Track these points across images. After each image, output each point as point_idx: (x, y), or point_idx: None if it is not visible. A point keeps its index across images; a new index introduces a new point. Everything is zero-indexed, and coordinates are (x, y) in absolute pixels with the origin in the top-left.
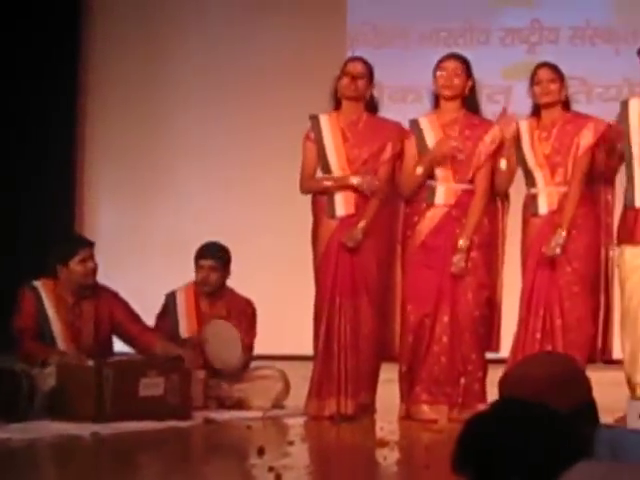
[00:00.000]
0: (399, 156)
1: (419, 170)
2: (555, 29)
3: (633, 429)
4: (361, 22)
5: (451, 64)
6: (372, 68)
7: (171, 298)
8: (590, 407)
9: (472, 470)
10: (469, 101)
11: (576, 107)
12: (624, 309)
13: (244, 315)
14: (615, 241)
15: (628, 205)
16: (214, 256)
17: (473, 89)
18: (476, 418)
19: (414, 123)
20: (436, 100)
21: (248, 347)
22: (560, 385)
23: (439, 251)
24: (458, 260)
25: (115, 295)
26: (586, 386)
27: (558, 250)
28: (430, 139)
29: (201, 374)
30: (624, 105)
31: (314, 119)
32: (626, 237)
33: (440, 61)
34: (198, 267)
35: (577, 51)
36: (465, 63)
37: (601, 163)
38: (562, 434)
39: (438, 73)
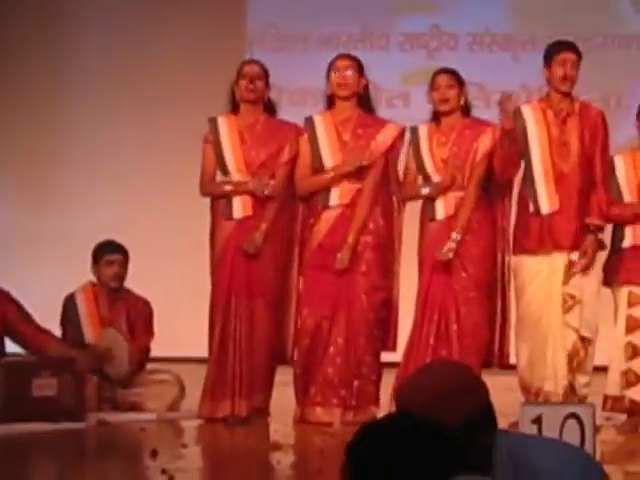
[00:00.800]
0: (297, 158)
1: (328, 177)
2: (454, 35)
3: (529, 434)
4: (261, 25)
5: (343, 63)
6: (267, 70)
7: (70, 301)
8: (488, 414)
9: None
10: (363, 100)
11: (474, 113)
12: (521, 314)
13: (141, 316)
14: (511, 247)
15: (533, 213)
16: (121, 251)
17: (367, 88)
18: (361, 432)
19: (308, 121)
20: (330, 101)
21: (144, 348)
22: (456, 394)
23: (335, 253)
24: (342, 256)
25: (7, 295)
26: (483, 393)
27: (450, 255)
28: (322, 137)
29: (94, 377)
30: (517, 112)
31: (212, 121)
32: (532, 245)
33: (332, 61)
34: (105, 263)
35: (476, 57)
36: (357, 62)
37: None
38: (448, 452)
39: (332, 74)
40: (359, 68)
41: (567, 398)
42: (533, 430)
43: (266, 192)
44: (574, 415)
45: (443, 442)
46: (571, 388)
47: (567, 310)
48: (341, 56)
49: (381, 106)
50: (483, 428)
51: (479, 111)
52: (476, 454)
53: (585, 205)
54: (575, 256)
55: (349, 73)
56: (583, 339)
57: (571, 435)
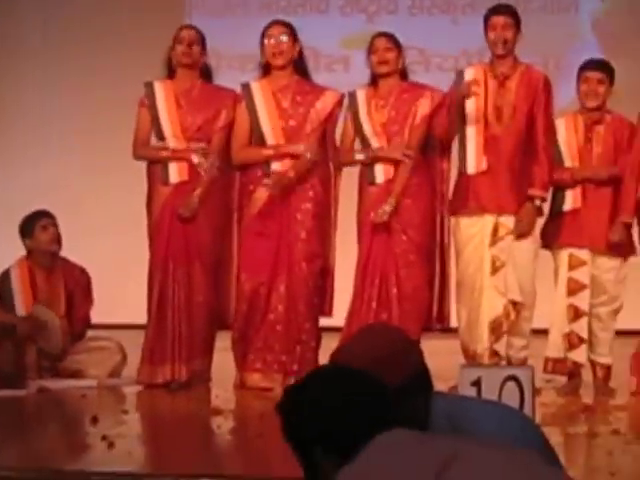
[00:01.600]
0: (234, 124)
1: (268, 154)
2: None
3: (468, 396)
4: None
5: (277, 30)
6: (204, 35)
7: (5, 277)
8: (423, 377)
9: (291, 437)
10: (299, 66)
11: (414, 77)
12: (460, 278)
13: (79, 285)
14: (448, 209)
15: (462, 172)
16: (49, 215)
17: (302, 54)
18: (292, 387)
19: (245, 87)
20: (266, 68)
21: (84, 318)
22: (391, 357)
23: (275, 219)
24: None
25: None
26: (418, 357)
27: (385, 217)
28: (260, 104)
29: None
30: (460, 75)
31: (148, 86)
32: (459, 205)
33: (265, 29)
34: (40, 229)
35: (416, 21)
36: (291, 27)
37: (443, 131)
38: (382, 401)
39: (265, 41)
40: (293, 34)
41: (490, 360)
42: (472, 393)
43: (212, 162)
44: (513, 377)
45: (376, 391)
46: (495, 352)
47: (493, 272)
48: (274, 23)
49: (321, 71)
50: (419, 392)
51: (419, 75)
52: (412, 417)
53: (517, 168)
54: (504, 219)
55: (284, 39)
56: (515, 303)
57: (510, 397)
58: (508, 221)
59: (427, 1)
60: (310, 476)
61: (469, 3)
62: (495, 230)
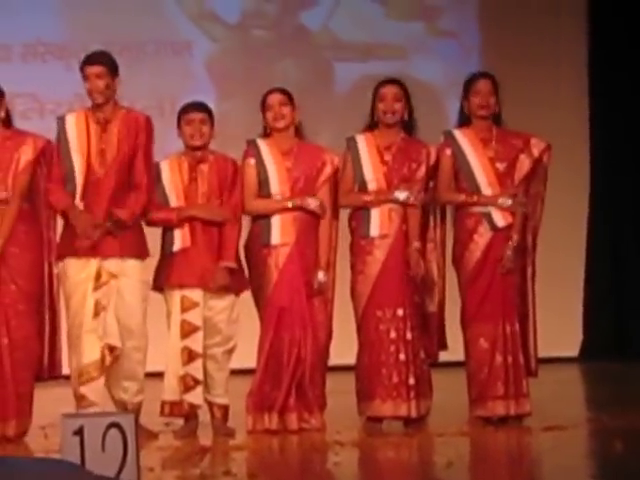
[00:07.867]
0: None
1: None
2: (6, 46)
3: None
4: None
5: None
6: None
7: None
8: None
9: None
10: None
11: (28, 124)
12: (70, 325)
13: None
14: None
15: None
16: None
17: None
18: None
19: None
20: None
21: None
22: None
23: None
24: None
25: None
26: None
27: None
28: None
29: None
30: (61, 120)
31: None
32: (66, 251)
33: None
34: None
35: (29, 68)
36: None
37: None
38: None
39: None
40: None
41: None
42: (75, 442)
43: None
44: (116, 424)
45: None
46: (83, 396)
47: (95, 316)
48: None
49: None
50: None
51: (33, 122)
52: None
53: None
54: (107, 263)
55: None
56: (112, 348)
57: (114, 444)
58: (111, 265)
59: (40, 47)
60: None
61: (82, 48)
62: (98, 275)
